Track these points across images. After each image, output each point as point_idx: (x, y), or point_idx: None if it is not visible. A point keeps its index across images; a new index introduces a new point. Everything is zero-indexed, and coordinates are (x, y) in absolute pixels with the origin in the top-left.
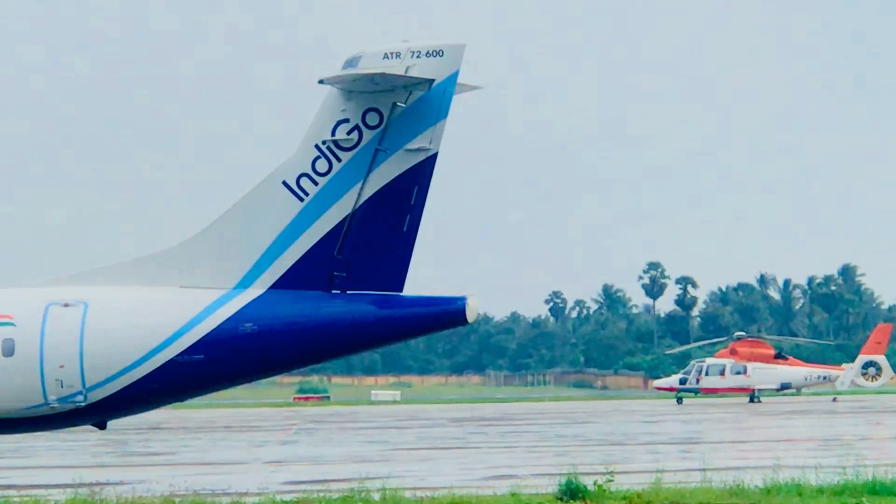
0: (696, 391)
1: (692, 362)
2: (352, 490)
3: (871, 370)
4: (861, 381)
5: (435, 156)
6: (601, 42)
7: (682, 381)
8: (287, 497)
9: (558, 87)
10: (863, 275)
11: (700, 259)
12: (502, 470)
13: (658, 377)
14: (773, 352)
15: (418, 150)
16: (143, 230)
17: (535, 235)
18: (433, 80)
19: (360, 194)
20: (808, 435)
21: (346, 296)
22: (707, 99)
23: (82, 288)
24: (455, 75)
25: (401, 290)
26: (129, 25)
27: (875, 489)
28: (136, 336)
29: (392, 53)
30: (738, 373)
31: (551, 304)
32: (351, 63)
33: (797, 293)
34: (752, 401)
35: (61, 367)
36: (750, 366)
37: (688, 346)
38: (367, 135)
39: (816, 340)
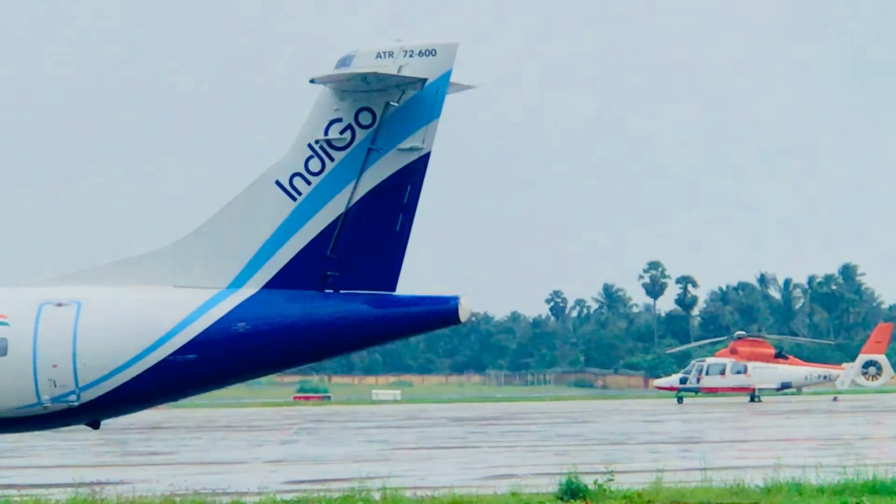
0: (696, 391)
1: (692, 362)
2: (352, 490)
3: (872, 369)
4: (861, 380)
5: (428, 155)
6: (601, 42)
7: (683, 381)
8: (287, 497)
9: (559, 86)
10: (863, 274)
11: (700, 258)
12: (503, 469)
13: (658, 377)
14: (773, 351)
15: (411, 149)
16: (136, 230)
17: (536, 235)
18: (426, 80)
19: (353, 194)
20: (809, 434)
21: (339, 295)
22: (707, 99)
23: (75, 287)
24: (448, 75)
25: (394, 290)
26: (125, 26)
27: (875, 489)
28: (129, 335)
29: (385, 53)
30: (739, 372)
31: (552, 303)
32: (343, 62)
33: (797, 293)
34: (752, 400)
35: (54, 366)
36: (750, 365)
37: (688, 346)
38: (360, 134)
39: (817, 340)
